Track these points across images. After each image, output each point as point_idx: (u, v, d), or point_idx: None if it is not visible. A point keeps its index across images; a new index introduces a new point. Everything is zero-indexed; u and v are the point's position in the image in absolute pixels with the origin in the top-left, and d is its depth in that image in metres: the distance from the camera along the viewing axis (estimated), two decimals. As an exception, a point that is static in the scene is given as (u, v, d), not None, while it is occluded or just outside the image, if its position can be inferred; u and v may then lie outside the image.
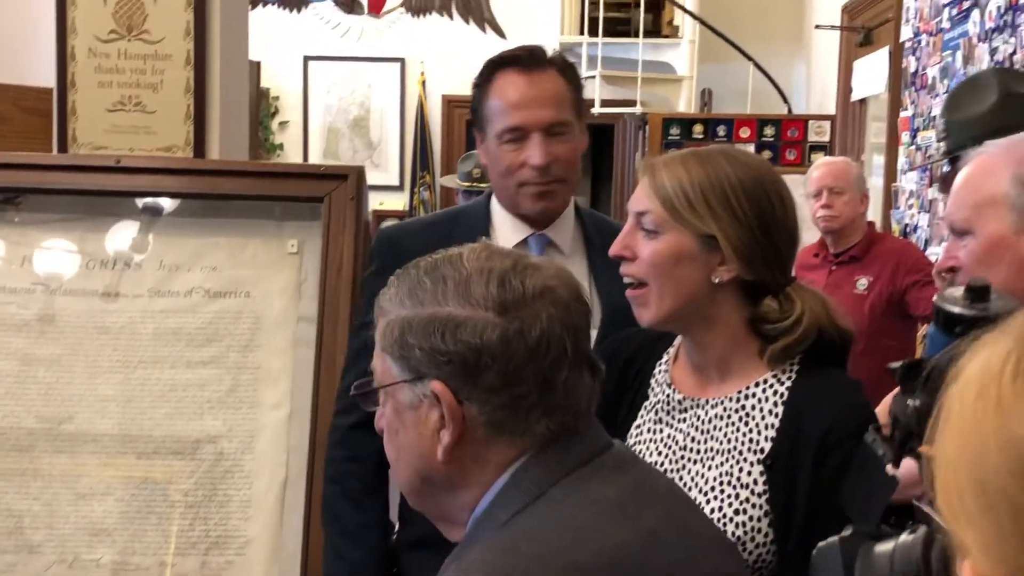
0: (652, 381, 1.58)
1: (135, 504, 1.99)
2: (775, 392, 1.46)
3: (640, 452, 1.52)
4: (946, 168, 2.35)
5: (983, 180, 1.59)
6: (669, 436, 1.52)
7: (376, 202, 8.38)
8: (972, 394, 0.59)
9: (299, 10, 8.44)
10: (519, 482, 1.07)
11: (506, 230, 1.92)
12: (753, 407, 1.46)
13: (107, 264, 2.12)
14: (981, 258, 1.58)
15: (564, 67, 1.91)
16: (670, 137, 6.09)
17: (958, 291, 0.94)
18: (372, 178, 8.36)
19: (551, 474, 1.07)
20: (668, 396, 1.54)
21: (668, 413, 1.53)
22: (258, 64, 7.81)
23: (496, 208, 1.94)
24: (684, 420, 1.51)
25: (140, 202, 2.14)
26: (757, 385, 1.47)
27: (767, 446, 1.43)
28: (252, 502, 1.99)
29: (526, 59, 1.87)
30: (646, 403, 1.57)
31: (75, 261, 2.14)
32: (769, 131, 6.01)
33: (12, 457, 2.00)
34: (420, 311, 1.08)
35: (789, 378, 1.47)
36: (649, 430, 1.54)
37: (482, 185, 5.00)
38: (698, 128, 6.11)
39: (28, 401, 2.04)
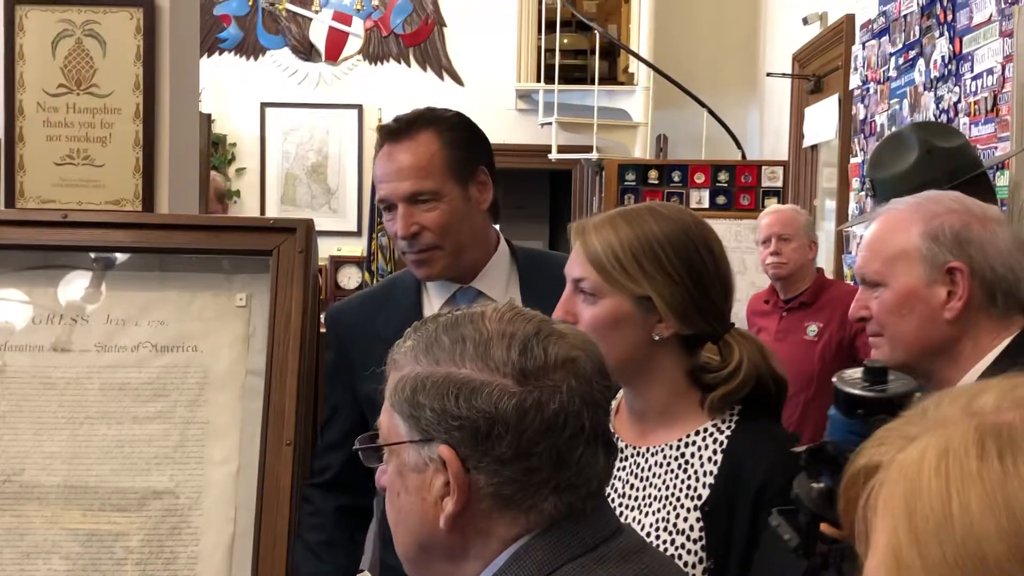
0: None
1: (81, 562, 1.97)
2: (715, 440, 1.48)
3: None
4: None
5: (894, 234, 1.67)
6: (609, 484, 1.54)
7: (334, 248, 8.37)
8: (931, 473, 0.58)
9: (256, 57, 8.46)
10: (521, 562, 1.02)
11: (434, 289, 1.98)
12: (693, 455, 1.48)
13: (54, 319, 2.10)
14: (893, 309, 1.65)
15: (446, 128, 1.93)
16: (626, 182, 6.15)
17: (856, 372, 0.94)
18: (330, 224, 8.43)
19: (554, 558, 1.01)
20: None
21: None
22: (208, 116, 7.80)
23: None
24: (624, 468, 1.53)
25: (88, 256, 2.13)
26: (698, 434, 1.49)
27: (705, 493, 1.45)
28: (200, 559, 1.96)
29: (394, 129, 1.93)
30: None
31: (22, 316, 2.12)
32: (723, 176, 6.09)
33: (-46, 517, 1.96)
34: (435, 370, 1.03)
35: (728, 427, 1.49)
36: None
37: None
38: (653, 174, 6.17)
39: (-29, 459, 2.01)
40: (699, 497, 1.45)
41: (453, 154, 1.91)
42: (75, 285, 2.12)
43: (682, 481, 1.47)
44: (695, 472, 1.47)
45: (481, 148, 1.99)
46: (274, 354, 1.98)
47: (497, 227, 2.06)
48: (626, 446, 1.54)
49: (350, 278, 8.44)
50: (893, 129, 4.31)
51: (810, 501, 0.95)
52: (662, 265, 1.48)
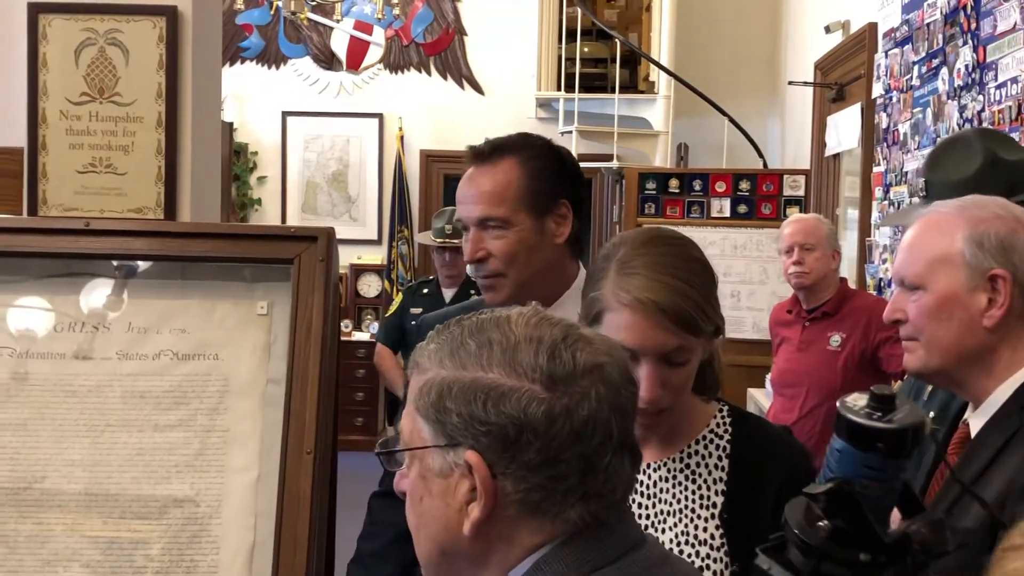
0: None
1: (101, 570, 1.96)
2: (717, 447, 1.48)
3: None
4: None
5: (938, 238, 1.64)
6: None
7: (355, 256, 8.39)
8: None
9: (278, 67, 8.50)
10: (541, 573, 1.00)
11: None
12: (699, 464, 1.48)
13: (76, 327, 2.11)
14: (932, 313, 1.63)
15: (530, 156, 1.91)
16: (647, 191, 6.14)
17: (862, 399, 0.88)
18: (350, 232, 8.46)
19: (573, 571, 1.00)
20: None
21: None
22: (231, 124, 7.85)
23: None
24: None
25: (110, 264, 2.14)
26: (698, 443, 1.49)
27: (719, 500, 1.45)
28: (219, 567, 1.96)
29: (478, 153, 1.92)
30: None
31: (44, 324, 2.12)
32: (744, 185, 6.06)
33: (-25, 524, 1.97)
34: (462, 374, 1.01)
35: (725, 431, 1.49)
36: None
37: (454, 241, 5.01)
38: (674, 183, 6.16)
39: (-7, 466, 2.01)
40: (714, 505, 1.44)
41: (531, 184, 1.89)
42: (97, 293, 2.13)
43: (693, 492, 1.46)
44: (704, 481, 1.46)
45: (567, 181, 1.96)
46: (295, 363, 1.97)
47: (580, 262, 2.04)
48: None
49: (370, 286, 8.46)
50: (916, 138, 4.28)
51: (818, 541, 0.89)
52: (706, 300, 1.49)
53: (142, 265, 2.12)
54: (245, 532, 1.96)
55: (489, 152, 1.90)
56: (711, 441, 1.49)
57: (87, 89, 2.39)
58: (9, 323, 2.10)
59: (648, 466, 1.51)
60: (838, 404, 0.86)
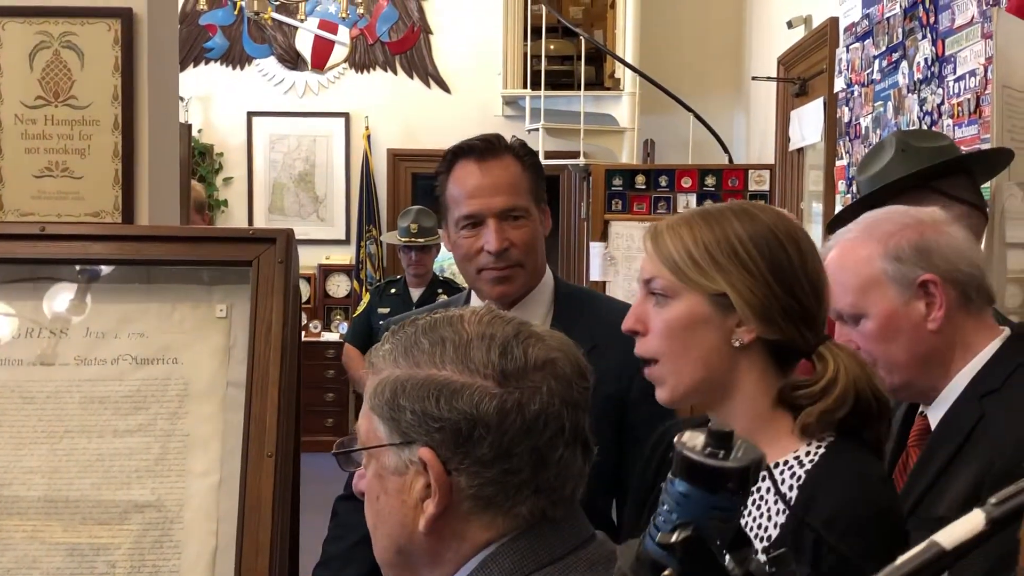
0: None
1: (62, 577, 1.95)
2: (793, 475, 1.33)
3: None
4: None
5: (857, 264, 1.67)
6: None
7: (323, 256, 8.36)
8: None
9: (242, 67, 8.45)
10: (487, 569, 1.01)
11: None
12: (768, 490, 1.34)
13: (34, 332, 2.09)
14: (880, 336, 1.66)
15: (523, 154, 1.95)
16: (613, 187, 6.16)
17: (699, 438, 0.84)
18: (318, 232, 8.44)
19: (520, 567, 1.01)
20: None
21: None
22: (189, 126, 7.80)
23: (474, 298, 2.00)
24: None
25: (69, 269, 2.12)
26: (776, 467, 1.34)
27: (774, 533, 1.32)
28: (182, 571, 1.95)
29: (482, 148, 1.92)
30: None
31: (3, 329, 2.10)
32: (710, 180, 6.10)
33: (-68, 534, 1.95)
34: (415, 372, 1.03)
35: (811, 460, 1.34)
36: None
37: (419, 240, 5.01)
38: (640, 179, 6.18)
39: (-51, 475, 2.00)
40: (769, 539, 1.31)
41: (532, 177, 1.93)
42: (56, 298, 2.11)
43: (755, 519, 1.34)
44: (767, 511, 1.33)
45: (544, 178, 2.01)
46: (255, 365, 1.97)
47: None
48: None
49: (339, 286, 8.43)
50: (878, 132, 4.32)
51: None
52: (740, 259, 1.34)
53: (103, 269, 2.11)
54: (207, 536, 1.95)
55: (493, 146, 1.92)
56: (789, 467, 1.32)
57: (42, 92, 2.36)
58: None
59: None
60: (675, 444, 0.83)
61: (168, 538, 1.95)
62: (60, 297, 2.11)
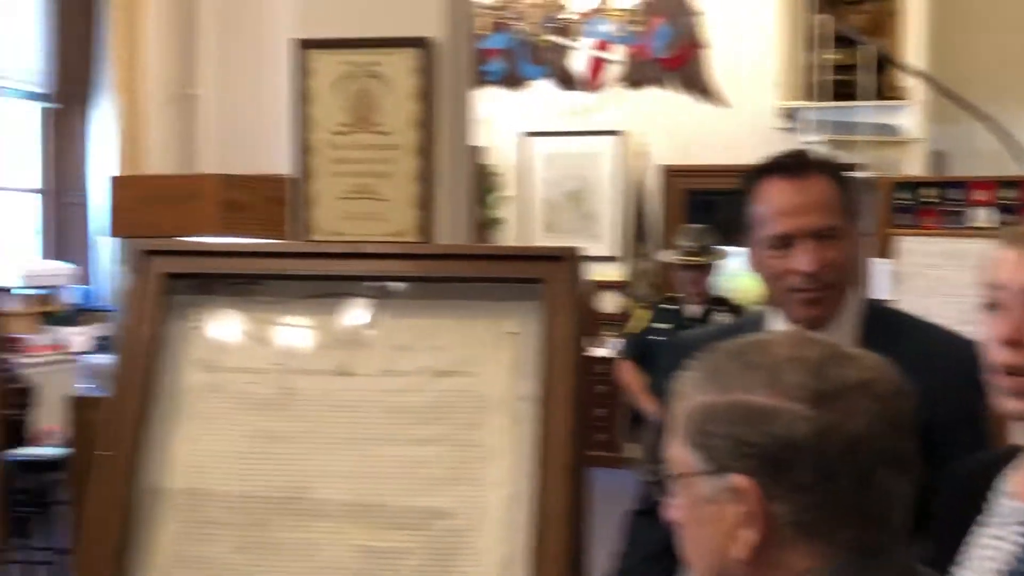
0: (989, 493, 1.40)
1: (366, 578, 2.04)
2: None
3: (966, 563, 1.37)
4: None
5: None
6: (996, 547, 1.34)
7: (593, 273, 8.44)
8: None
9: (519, 88, 8.69)
10: None
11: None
12: None
13: (338, 344, 2.21)
14: None
15: (831, 171, 1.88)
16: (898, 200, 5.88)
17: None
18: (589, 249, 8.48)
19: None
20: (1003, 506, 1.36)
21: (1000, 525, 1.35)
22: (478, 149, 8.09)
23: (771, 317, 1.94)
24: (1017, 531, 1.33)
25: (367, 285, 2.23)
26: None
27: None
28: (480, 579, 2.00)
29: (791, 165, 1.86)
30: (979, 516, 1.40)
31: (310, 341, 2.24)
32: (1009, 193, 5.71)
33: (252, 531, 2.09)
34: (724, 398, 1.00)
35: None
36: (977, 544, 1.38)
37: (699, 259, 4.95)
38: (932, 192, 5.86)
39: (267, 476, 2.14)
40: None
41: (847, 195, 1.87)
42: (357, 312, 2.23)
43: None
44: None
45: (857, 193, 1.97)
46: (546, 380, 2.01)
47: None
48: (1019, 507, 1.32)
49: (609, 303, 8.49)
50: None
51: None
52: None
53: (399, 286, 2.21)
54: (500, 546, 2.00)
55: (803, 164, 1.88)
56: None
57: (350, 120, 2.51)
58: (278, 341, 2.23)
59: None
60: None
61: (467, 545, 2.01)
62: (362, 312, 2.23)
